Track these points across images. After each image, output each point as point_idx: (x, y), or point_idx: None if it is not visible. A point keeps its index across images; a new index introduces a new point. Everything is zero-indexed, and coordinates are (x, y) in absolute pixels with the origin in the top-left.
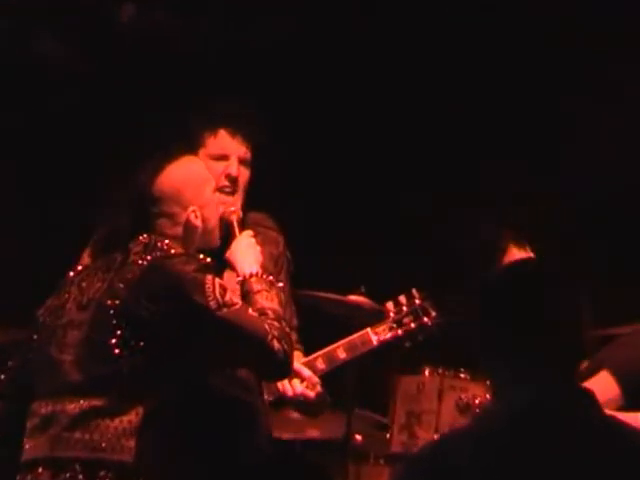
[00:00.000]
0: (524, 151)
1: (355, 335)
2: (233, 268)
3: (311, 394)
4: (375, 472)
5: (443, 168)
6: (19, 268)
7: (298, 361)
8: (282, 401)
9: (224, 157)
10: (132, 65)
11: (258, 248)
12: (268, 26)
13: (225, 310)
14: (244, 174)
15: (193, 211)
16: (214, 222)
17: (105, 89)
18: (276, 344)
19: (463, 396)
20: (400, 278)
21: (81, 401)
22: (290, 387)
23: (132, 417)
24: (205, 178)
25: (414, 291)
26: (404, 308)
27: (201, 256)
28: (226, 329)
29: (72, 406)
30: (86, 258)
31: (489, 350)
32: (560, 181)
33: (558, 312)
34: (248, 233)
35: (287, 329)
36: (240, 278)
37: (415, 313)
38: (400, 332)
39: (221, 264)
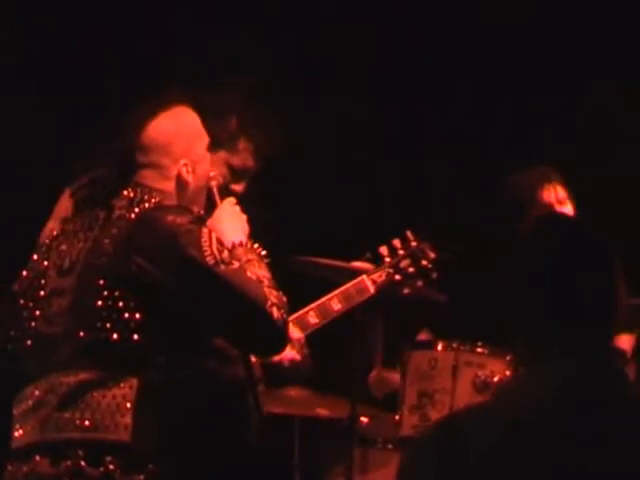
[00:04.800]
0: None
1: (350, 284)
2: None
3: (298, 357)
4: (383, 457)
5: None
6: None
7: None
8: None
9: (239, 172)
10: None
11: (244, 217)
12: None
13: (223, 267)
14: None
15: (185, 165)
16: (203, 182)
17: None
18: (275, 312)
19: (480, 373)
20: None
21: (70, 377)
22: None
23: (126, 391)
24: (199, 133)
25: (409, 233)
26: (400, 252)
27: (195, 209)
28: (224, 289)
29: (61, 384)
30: (56, 221)
31: (517, 319)
32: None
33: (596, 279)
34: (231, 201)
35: (284, 299)
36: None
37: (413, 256)
38: (398, 277)
39: None
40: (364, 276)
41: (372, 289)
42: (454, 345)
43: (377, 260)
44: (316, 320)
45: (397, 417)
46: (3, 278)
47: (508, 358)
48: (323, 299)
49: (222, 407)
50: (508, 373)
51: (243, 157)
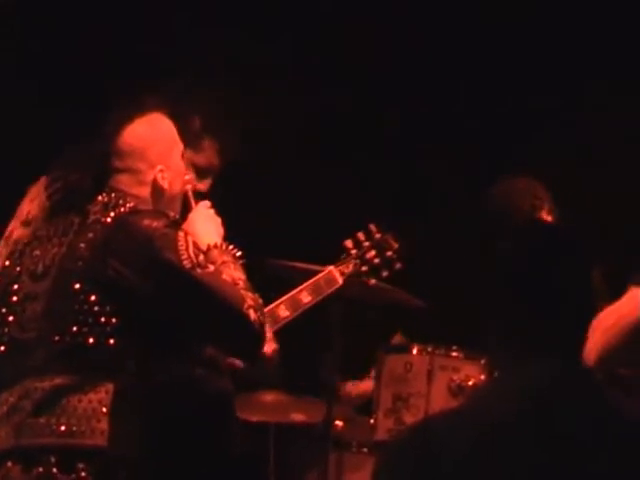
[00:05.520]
0: None
1: (318, 276)
2: None
3: (268, 350)
4: (358, 461)
5: None
6: None
7: None
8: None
9: (204, 171)
10: None
11: (218, 220)
12: None
13: (199, 271)
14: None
15: (161, 171)
16: (178, 189)
17: None
18: (252, 314)
19: (455, 377)
20: None
21: (45, 382)
22: None
23: (102, 395)
24: (174, 140)
25: (372, 226)
26: (365, 244)
27: (171, 213)
28: (201, 292)
29: (35, 389)
30: (19, 225)
31: (496, 320)
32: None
33: (577, 280)
34: (206, 204)
35: (260, 301)
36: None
37: (377, 247)
38: (364, 268)
39: None
40: (332, 267)
41: (340, 280)
42: (429, 349)
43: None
44: (287, 313)
45: (372, 421)
46: None
47: (483, 362)
48: (293, 292)
49: (204, 414)
50: (483, 377)
51: (208, 155)
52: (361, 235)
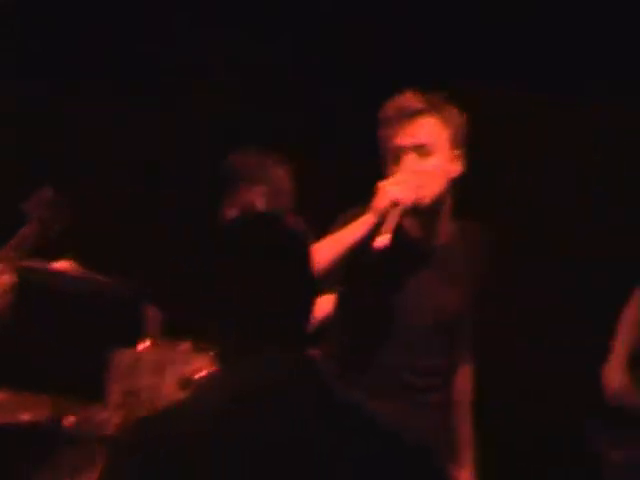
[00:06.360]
0: None
1: (20, 232)
2: None
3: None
4: (91, 457)
5: None
6: None
7: None
8: None
9: None
10: None
11: None
12: None
13: None
14: None
15: None
16: None
17: None
18: None
19: (185, 370)
20: None
21: None
22: None
23: None
24: None
25: (45, 188)
26: (40, 202)
27: None
28: None
29: None
30: None
31: (212, 314)
32: None
33: (292, 277)
34: None
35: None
36: None
37: (51, 206)
38: (45, 224)
39: None
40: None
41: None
42: (158, 343)
43: None
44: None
45: (102, 416)
46: None
47: (212, 354)
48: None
49: None
50: (213, 369)
51: None
52: (35, 196)
